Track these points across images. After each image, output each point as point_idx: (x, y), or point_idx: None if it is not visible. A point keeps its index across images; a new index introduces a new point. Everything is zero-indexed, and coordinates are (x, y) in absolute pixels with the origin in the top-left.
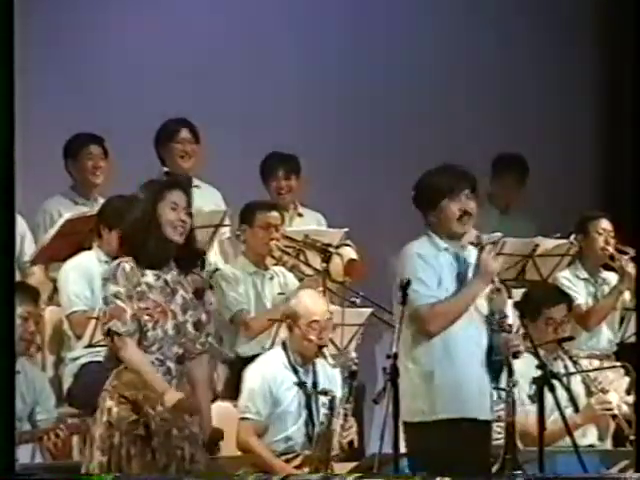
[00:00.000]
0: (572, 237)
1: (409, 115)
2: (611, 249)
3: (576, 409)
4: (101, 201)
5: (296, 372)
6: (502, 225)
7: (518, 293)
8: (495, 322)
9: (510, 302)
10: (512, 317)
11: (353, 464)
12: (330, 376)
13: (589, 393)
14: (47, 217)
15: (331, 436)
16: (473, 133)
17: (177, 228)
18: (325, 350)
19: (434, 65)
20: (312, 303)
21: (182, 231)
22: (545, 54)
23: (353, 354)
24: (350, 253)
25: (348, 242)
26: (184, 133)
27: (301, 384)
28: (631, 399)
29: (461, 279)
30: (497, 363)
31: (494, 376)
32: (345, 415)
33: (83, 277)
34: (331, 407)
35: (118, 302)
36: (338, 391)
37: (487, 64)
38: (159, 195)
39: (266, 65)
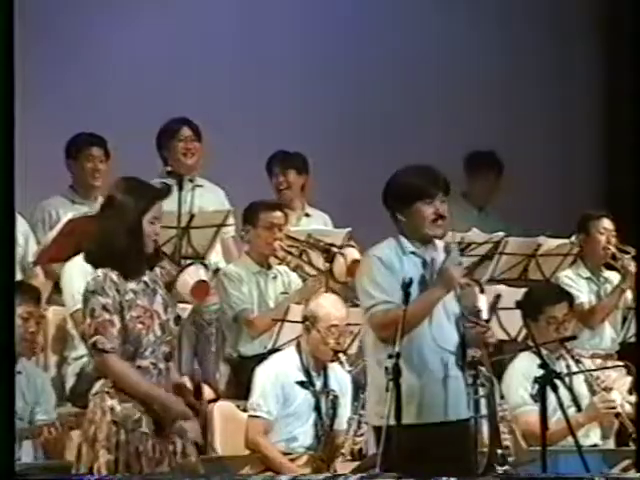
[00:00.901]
0: (574, 237)
1: (410, 115)
2: (613, 248)
3: (579, 408)
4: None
5: (308, 374)
6: (480, 223)
7: (520, 293)
8: (468, 318)
9: (483, 297)
10: (486, 311)
11: (355, 464)
12: (340, 380)
13: (592, 392)
14: (46, 217)
15: (335, 436)
16: (474, 132)
17: (153, 241)
18: (341, 355)
19: (435, 64)
20: (333, 307)
21: (155, 244)
22: (546, 54)
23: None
24: (354, 254)
25: (352, 243)
26: (186, 131)
27: (312, 386)
28: (634, 398)
29: (425, 284)
30: (473, 359)
31: (473, 373)
32: (359, 422)
33: (86, 275)
34: (334, 407)
35: (106, 315)
36: (348, 395)
37: (488, 64)
38: (145, 209)
39: (269, 64)
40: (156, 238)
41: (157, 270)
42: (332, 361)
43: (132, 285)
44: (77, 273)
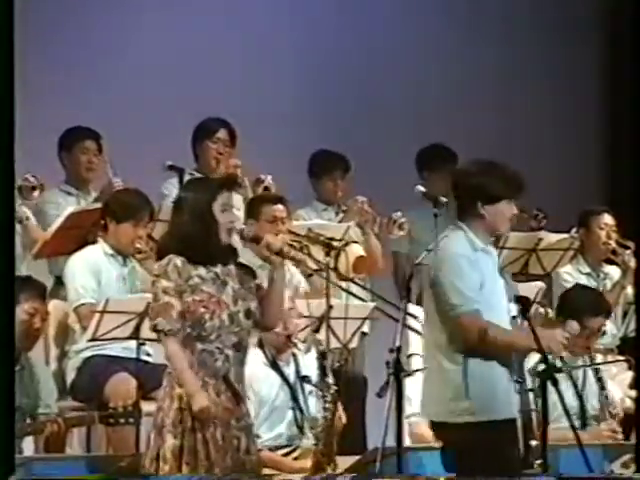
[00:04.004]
0: (573, 231)
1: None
2: (613, 244)
3: (584, 424)
4: (94, 194)
5: (276, 366)
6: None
7: (522, 287)
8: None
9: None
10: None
11: (356, 458)
12: (309, 365)
13: (602, 388)
14: (44, 210)
15: (333, 430)
16: (473, 131)
17: (231, 230)
18: (294, 339)
19: (437, 58)
20: None
21: (230, 234)
22: (547, 52)
23: (319, 336)
24: (357, 250)
25: (355, 239)
26: (221, 133)
27: (281, 376)
28: (634, 393)
29: (488, 283)
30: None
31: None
32: (323, 397)
33: (90, 270)
34: (333, 401)
35: (166, 298)
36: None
37: (488, 63)
38: (213, 196)
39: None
40: (231, 227)
41: (232, 266)
42: (288, 347)
43: (200, 271)
44: (80, 269)
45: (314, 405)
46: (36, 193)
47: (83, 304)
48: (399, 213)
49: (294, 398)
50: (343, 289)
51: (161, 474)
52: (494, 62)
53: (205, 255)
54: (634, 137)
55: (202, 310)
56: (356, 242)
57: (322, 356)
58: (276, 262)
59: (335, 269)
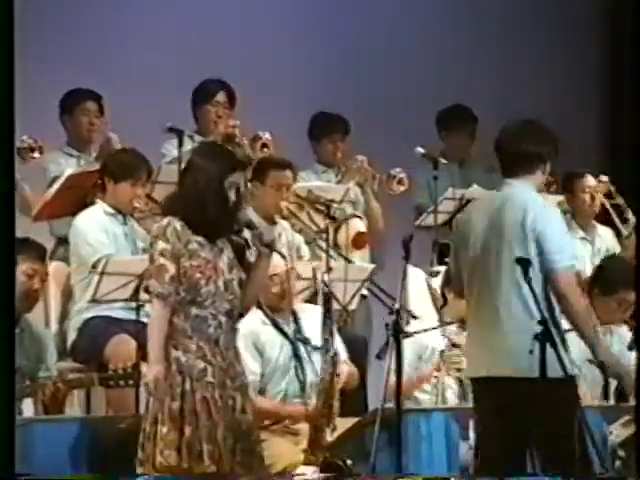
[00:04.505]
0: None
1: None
2: (599, 203)
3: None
4: (94, 155)
5: (276, 325)
6: (462, 178)
7: None
8: None
9: None
10: None
11: (355, 419)
12: (311, 323)
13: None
14: (46, 172)
15: (333, 391)
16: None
17: (236, 209)
18: (293, 299)
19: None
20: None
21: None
22: (547, 52)
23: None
24: (359, 226)
25: (358, 213)
26: (220, 96)
27: (282, 334)
28: (633, 355)
29: None
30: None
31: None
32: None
33: (99, 227)
34: (332, 362)
35: (161, 260)
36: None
37: (488, 63)
38: (225, 173)
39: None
40: (237, 208)
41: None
42: (280, 308)
43: (199, 237)
44: (92, 227)
45: (319, 362)
46: (35, 154)
47: (100, 258)
48: (398, 169)
49: (296, 355)
50: (344, 257)
51: (159, 436)
52: (494, 62)
53: (205, 225)
54: (634, 137)
55: (198, 275)
56: (358, 216)
57: (327, 301)
58: (264, 252)
59: (335, 244)
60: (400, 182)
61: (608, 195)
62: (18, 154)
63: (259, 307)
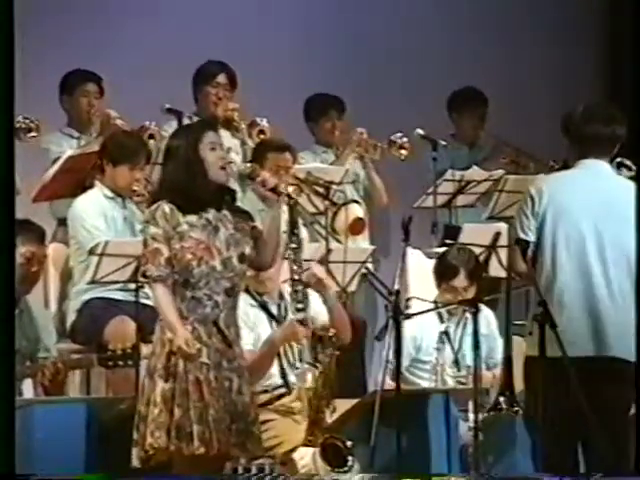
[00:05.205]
0: None
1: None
2: None
3: None
4: (95, 135)
5: (264, 306)
6: (472, 160)
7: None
8: None
9: None
10: None
11: (355, 400)
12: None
13: None
14: (47, 152)
15: (331, 372)
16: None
17: (224, 167)
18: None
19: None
20: None
21: (228, 170)
22: (547, 52)
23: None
24: (357, 211)
25: (357, 199)
26: (221, 78)
27: (269, 315)
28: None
29: None
30: None
31: None
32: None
33: (97, 212)
34: (330, 343)
35: (155, 244)
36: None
37: (488, 63)
38: (197, 137)
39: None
40: (223, 164)
41: (226, 213)
42: (267, 290)
43: (190, 218)
44: (92, 211)
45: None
46: (32, 134)
47: (98, 243)
48: (399, 134)
49: None
50: (341, 243)
51: (150, 417)
52: (494, 62)
53: (196, 200)
54: (634, 137)
55: (189, 257)
56: (356, 201)
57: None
58: (271, 200)
59: (333, 230)
60: (402, 147)
61: None
62: (15, 135)
63: (246, 291)
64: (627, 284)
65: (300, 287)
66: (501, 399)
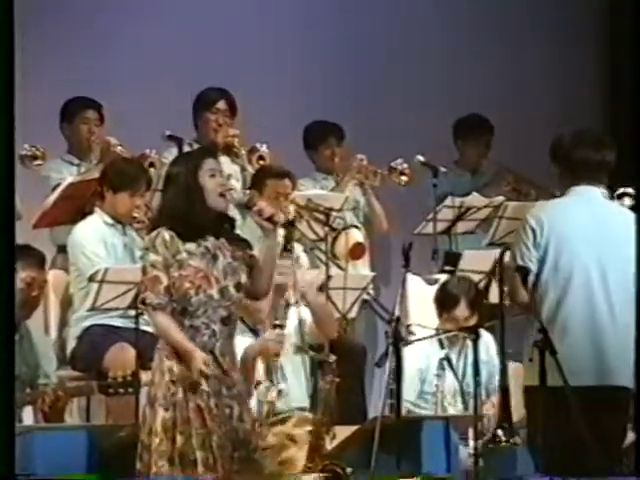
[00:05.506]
0: None
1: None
2: None
3: None
4: (95, 162)
5: (257, 335)
6: (474, 187)
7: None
8: None
9: None
10: None
11: (355, 427)
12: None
13: None
14: (47, 180)
15: (331, 398)
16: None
17: (223, 194)
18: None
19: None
20: None
21: (228, 197)
22: (547, 52)
23: None
24: (357, 236)
25: (357, 224)
26: (221, 104)
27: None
28: None
29: None
30: None
31: None
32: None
33: (98, 238)
34: (330, 370)
35: (154, 272)
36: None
37: (488, 63)
38: (197, 164)
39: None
40: (223, 191)
41: (224, 241)
42: (261, 320)
43: (189, 246)
44: (92, 238)
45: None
46: (38, 162)
47: (97, 271)
48: (399, 160)
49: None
50: (341, 268)
51: (153, 447)
52: (494, 62)
53: (195, 228)
54: (634, 137)
55: (187, 285)
56: (356, 226)
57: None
58: (268, 229)
59: (333, 255)
60: (403, 173)
61: None
62: (21, 162)
63: (241, 320)
64: (628, 310)
65: (282, 304)
66: (499, 431)
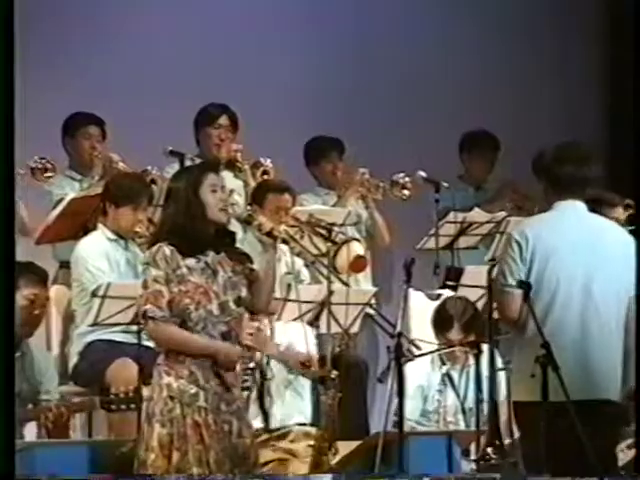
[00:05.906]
0: None
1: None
2: None
3: None
4: (97, 178)
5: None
6: (477, 201)
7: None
8: None
9: None
10: None
11: (357, 442)
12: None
13: None
14: (49, 195)
15: (334, 415)
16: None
17: (224, 209)
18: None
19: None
20: None
21: (228, 211)
22: (547, 52)
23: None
24: (358, 249)
25: (357, 237)
26: (223, 120)
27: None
28: None
29: None
30: None
31: None
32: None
33: (101, 254)
34: (332, 385)
35: (157, 286)
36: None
37: (487, 62)
38: (198, 180)
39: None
40: (224, 206)
41: (224, 254)
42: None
43: (189, 262)
44: (95, 253)
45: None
46: (48, 174)
47: (100, 285)
48: (401, 174)
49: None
50: (342, 281)
51: (148, 463)
52: (493, 61)
53: (195, 243)
54: (634, 138)
55: (187, 301)
56: (358, 240)
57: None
58: (267, 243)
59: (334, 268)
60: (405, 187)
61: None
62: (32, 175)
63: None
64: (615, 322)
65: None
66: (489, 449)
